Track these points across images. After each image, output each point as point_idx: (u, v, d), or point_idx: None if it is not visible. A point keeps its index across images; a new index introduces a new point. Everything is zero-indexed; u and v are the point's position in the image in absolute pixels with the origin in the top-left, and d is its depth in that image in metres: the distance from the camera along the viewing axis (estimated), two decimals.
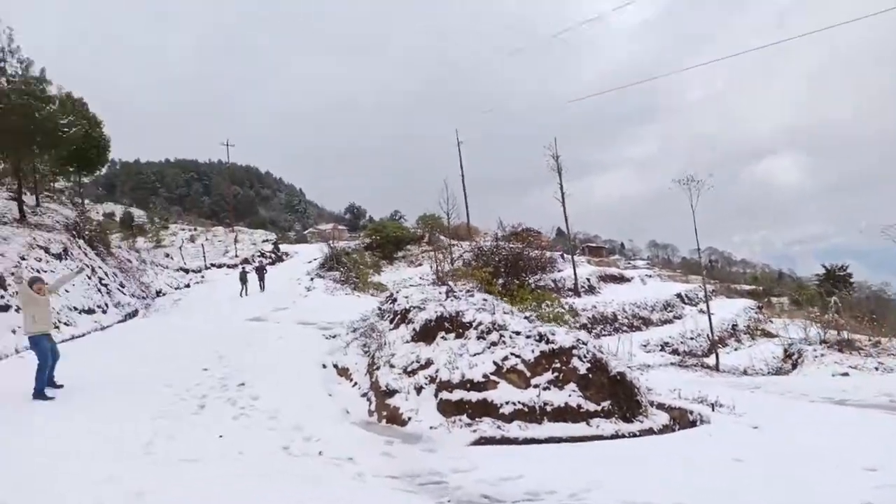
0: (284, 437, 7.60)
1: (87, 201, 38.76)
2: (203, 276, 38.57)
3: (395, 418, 8.55)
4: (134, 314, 21.82)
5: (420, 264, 45.14)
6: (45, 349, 9.15)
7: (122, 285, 24.63)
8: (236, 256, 44.59)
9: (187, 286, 33.20)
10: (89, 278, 20.31)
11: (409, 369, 9.20)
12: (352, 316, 18.29)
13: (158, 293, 28.20)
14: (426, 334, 9.76)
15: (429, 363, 9.04)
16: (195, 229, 52.68)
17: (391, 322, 11.77)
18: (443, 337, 9.50)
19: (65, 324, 15.29)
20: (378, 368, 9.81)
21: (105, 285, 22.07)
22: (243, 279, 27.00)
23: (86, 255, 22.54)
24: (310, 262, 43.91)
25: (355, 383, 10.50)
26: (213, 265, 42.05)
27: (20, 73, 21.96)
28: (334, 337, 14.73)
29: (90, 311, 17.76)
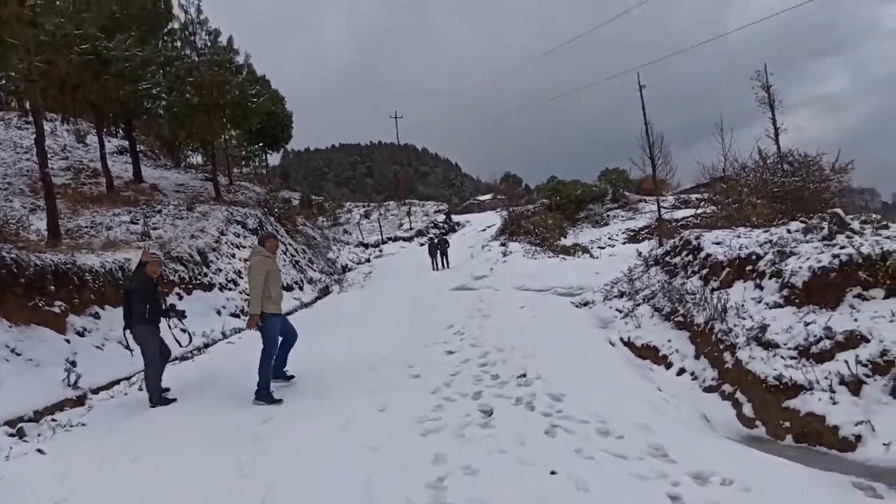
0: (654, 471, 4.26)
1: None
2: (381, 251, 37.27)
3: (816, 435, 4.90)
4: (326, 290, 19.94)
5: (605, 224, 40.77)
6: (274, 331, 6.71)
7: (310, 261, 23.35)
8: (410, 229, 43.07)
9: (367, 261, 31.96)
10: (284, 254, 18.71)
11: (812, 350, 5.43)
12: (581, 279, 14.93)
13: (344, 268, 26.81)
14: (815, 293, 5.92)
15: (855, 339, 5.21)
16: (368, 205, 52.19)
17: (702, 279, 8.03)
18: (859, 296, 5.61)
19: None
20: (737, 347, 6.15)
21: (297, 262, 20.71)
22: (434, 252, 24.50)
23: (277, 231, 21.22)
24: (483, 229, 41.27)
25: (681, 369, 6.94)
26: (389, 239, 40.83)
27: (209, 44, 20.89)
28: (586, 304, 11.30)
29: (289, 288, 15.88)
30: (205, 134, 20.38)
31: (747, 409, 5.70)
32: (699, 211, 40.49)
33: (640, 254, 11.32)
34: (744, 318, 6.47)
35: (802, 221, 7.86)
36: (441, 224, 44.30)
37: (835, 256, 5.90)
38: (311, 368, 7.57)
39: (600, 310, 10.52)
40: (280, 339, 6.82)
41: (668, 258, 9.77)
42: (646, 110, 45.44)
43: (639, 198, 45.94)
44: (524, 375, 6.85)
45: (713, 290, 7.59)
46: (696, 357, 6.91)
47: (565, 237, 35.65)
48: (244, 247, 15.53)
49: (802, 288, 6.07)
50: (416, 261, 28.26)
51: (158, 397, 6.52)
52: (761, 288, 6.77)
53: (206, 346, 9.75)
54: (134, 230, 14.28)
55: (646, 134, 44.94)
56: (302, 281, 18.70)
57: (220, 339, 10.15)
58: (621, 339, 8.33)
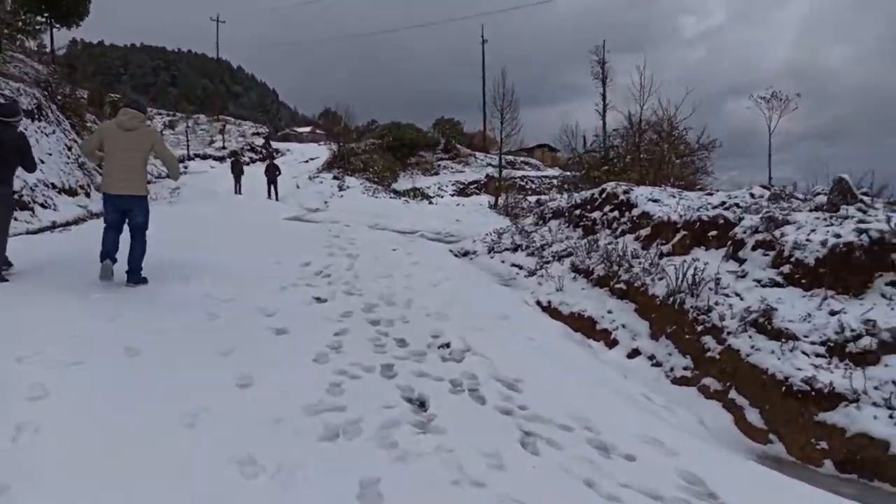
0: None
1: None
2: (186, 167, 32.46)
3: (875, 466, 3.65)
4: None
5: (436, 173, 39.83)
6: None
7: (99, 167, 18.82)
8: (223, 148, 38.39)
9: (167, 176, 27.33)
10: (69, 149, 14.50)
11: (849, 348, 4.18)
12: (444, 225, 13.25)
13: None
14: (831, 274, 4.71)
15: None
16: (174, 115, 45.74)
17: (640, 240, 6.66)
18: (893, 284, 4.46)
19: (41, 205, 9.76)
20: (726, 332, 4.77)
21: (83, 164, 16.42)
22: (236, 173, 21.12)
23: (59, 123, 16.53)
24: (307, 161, 38.14)
25: (633, 350, 5.50)
26: (196, 155, 35.92)
27: None
28: (466, 254, 9.59)
29: (71, 193, 12.12)
30: None
31: (753, 417, 4.33)
32: (539, 173, 40.97)
33: (491, 206, 9.80)
34: (729, 296, 5.10)
35: (764, 186, 6.75)
36: (260, 148, 40.09)
37: (861, 232, 4.67)
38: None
39: (488, 262, 8.87)
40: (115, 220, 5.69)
41: (579, 212, 8.32)
42: (485, 65, 44.91)
43: (469, 152, 45.52)
44: (448, 345, 4.91)
45: (661, 255, 6.20)
46: (654, 337, 5.47)
47: (396, 181, 33.94)
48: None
49: (814, 266, 4.79)
50: (229, 185, 24.73)
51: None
52: (740, 260, 5.46)
53: None
54: None
55: (483, 91, 44.43)
56: (89, 186, 14.73)
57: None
58: (538, 303, 6.70)
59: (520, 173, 40.10)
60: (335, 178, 24.05)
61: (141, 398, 3.38)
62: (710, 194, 7.19)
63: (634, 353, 5.45)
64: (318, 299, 6.27)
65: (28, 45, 26.29)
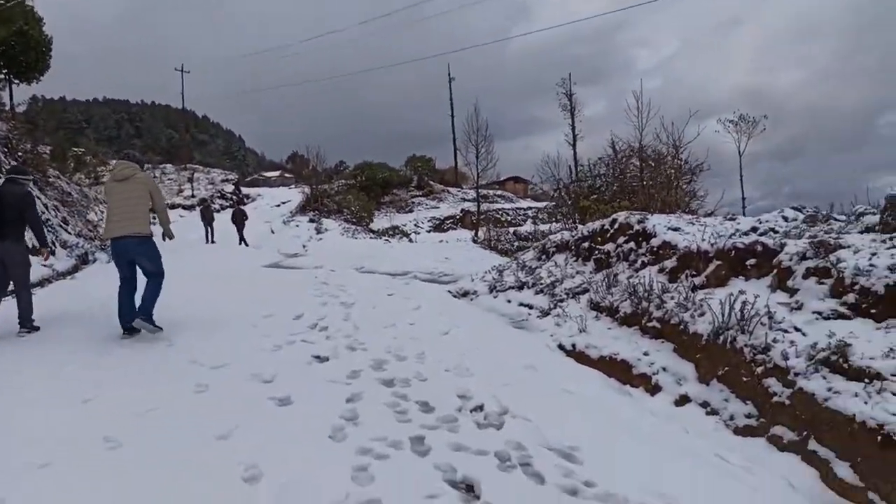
0: None
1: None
2: (155, 217, 31.35)
3: None
4: (86, 258, 15.18)
5: (410, 210, 39.51)
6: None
7: (65, 221, 17.95)
8: (193, 196, 37.58)
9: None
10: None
11: None
12: (436, 264, 12.63)
13: (47, 247, 21.20)
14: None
15: None
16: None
17: (666, 273, 6.13)
18: None
19: None
20: (792, 373, 4.21)
21: (46, 220, 15.48)
22: (207, 220, 20.26)
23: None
24: (278, 205, 37.49)
25: (681, 397, 4.87)
26: (167, 206, 34.78)
27: None
28: (466, 294, 8.98)
29: (35, 252, 11.21)
30: None
31: (844, 472, 3.72)
32: (513, 205, 40.83)
33: (475, 240, 9.26)
34: (788, 332, 4.54)
35: (794, 208, 6.29)
36: (230, 195, 39.28)
37: None
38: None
39: (491, 302, 8.26)
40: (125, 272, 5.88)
41: (588, 244, 7.78)
42: (453, 102, 44.94)
43: (442, 188, 45.37)
44: (480, 408, 4.25)
45: (694, 287, 5.66)
46: (702, 381, 4.87)
47: (372, 220, 33.42)
48: None
49: (885, 295, 4.27)
50: (203, 233, 23.88)
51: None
52: (790, 290, 4.93)
53: None
54: None
55: (452, 128, 44.36)
56: (54, 244, 13.83)
57: None
58: (561, 347, 6.09)
59: (495, 206, 39.86)
60: (311, 220, 23.40)
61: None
62: (732, 219, 6.71)
63: (683, 401, 4.83)
64: (319, 358, 5.59)
65: None
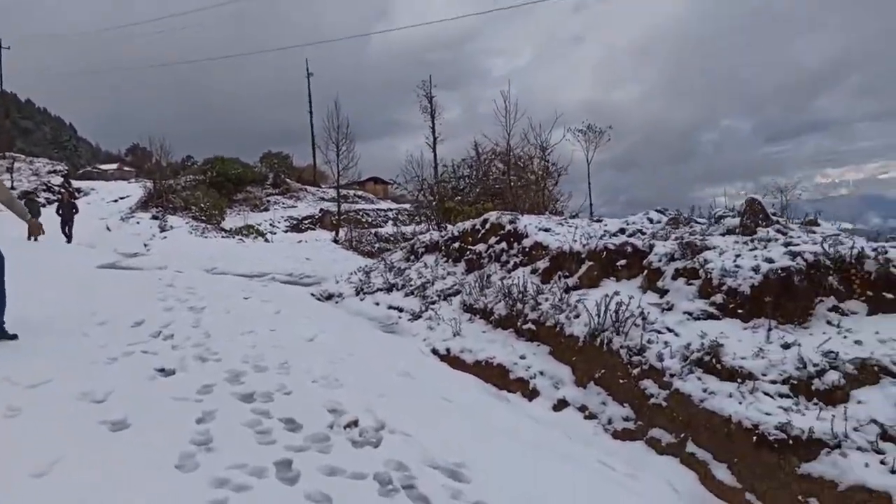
0: None
1: None
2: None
3: None
4: None
5: (266, 209, 37.78)
6: None
7: None
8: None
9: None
10: None
11: (815, 385, 3.81)
12: (295, 265, 11.95)
13: None
14: (771, 303, 4.38)
15: (871, 370, 3.75)
16: None
17: (539, 273, 6.08)
18: (835, 309, 4.21)
19: None
20: (668, 374, 4.24)
21: None
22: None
23: None
24: (115, 200, 34.35)
25: (559, 401, 4.79)
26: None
27: None
28: (330, 297, 8.48)
29: None
30: None
31: (721, 474, 3.75)
32: (373, 206, 40.29)
33: (337, 240, 8.95)
34: (661, 332, 4.57)
35: (658, 211, 6.46)
36: (58, 188, 35.25)
37: (794, 255, 4.37)
38: None
39: (358, 305, 7.82)
40: None
41: (458, 244, 7.60)
42: (312, 99, 43.80)
43: (300, 186, 44.02)
44: (355, 424, 3.82)
45: (567, 288, 5.62)
46: (580, 384, 4.80)
47: (223, 218, 31.55)
48: None
49: (751, 294, 4.41)
50: (22, 230, 21.04)
51: None
52: (660, 291, 5.00)
53: None
54: None
55: (311, 124, 43.23)
56: None
57: None
58: (434, 352, 5.81)
59: (356, 207, 39.28)
60: (154, 217, 21.45)
61: None
62: (599, 220, 6.80)
63: (562, 405, 4.72)
64: (164, 371, 4.84)
65: None
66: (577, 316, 5.16)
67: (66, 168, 42.96)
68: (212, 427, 3.67)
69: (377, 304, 7.50)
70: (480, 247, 7.07)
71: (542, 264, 6.11)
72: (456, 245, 7.57)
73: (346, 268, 10.91)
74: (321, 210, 38.86)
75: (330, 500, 2.92)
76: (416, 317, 6.68)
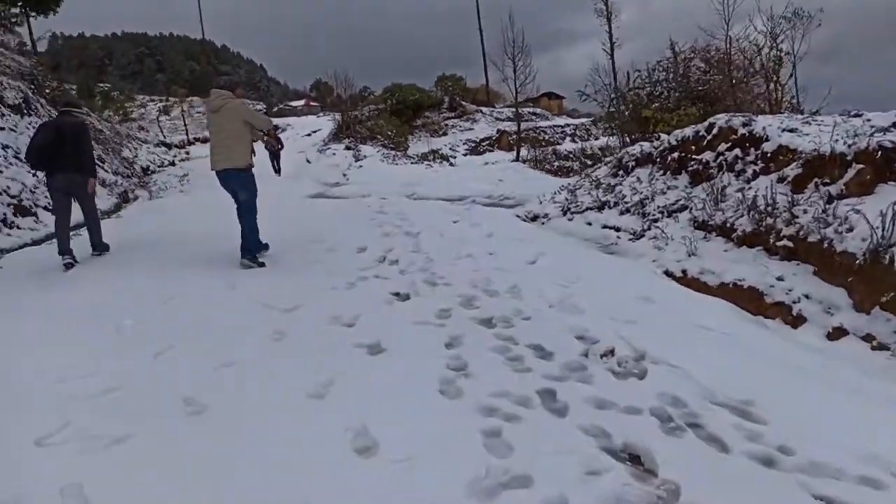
0: None
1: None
2: (189, 153, 30.93)
3: None
4: (126, 196, 14.70)
5: (444, 133, 38.07)
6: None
7: (101, 160, 17.41)
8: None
9: (172, 163, 25.80)
10: None
11: None
12: (492, 187, 11.82)
13: (146, 170, 20.88)
14: None
15: None
16: (167, 100, 44.13)
17: (787, 182, 5.25)
18: None
19: (44, 208, 8.41)
20: None
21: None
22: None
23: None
24: (308, 134, 36.60)
25: (835, 329, 4.15)
26: (196, 139, 34.38)
27: None
28: (536, 218, 8.22)
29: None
30: None
31: None
32: (549, 122, 39.27)
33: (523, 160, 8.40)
34: None
35: None
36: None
37: None
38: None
39: (567, 225, 7.51)
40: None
41: (678, 154, 6.89)
42: (480, 15, 42.61)
43: (475, 108, 43.77)
44: (611, 352, 3.57)
45: (830, 197, 4.80)
46: (861, 310, 4.09)
47: (408, 146, 32.44)
48: (2, 128, 10.01)
49: None
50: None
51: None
52: None
53: None
54: None
55: (481, 41, 42.34)
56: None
57: None
58: (668, 274, 5.35)
59: (532, 124, 38.40)
60: (348, 148, 22.51)
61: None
62: (858, 115, 5.75)
63: (838, 333, 4.10)
64: (399, 295, 4.95)
65: (6, 39, 24.70)
66: (849, 230, 4.40)
67: (264, 107, 46.69)
68: (463, 353, 3.63)
69: (589, 223, 7.13)
70: (707, 155, 6.34)
71: (791, 171, 5.30)
72: (675, 155, 6.89)
73: (541, 187, 10.59)
74: (498, 131, 38.47)
75: (608, 435, 2.72)
76: (637, 236, 6.22)
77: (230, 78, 6.06)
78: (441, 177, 13.88)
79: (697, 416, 2.87)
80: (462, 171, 15.91)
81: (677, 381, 3.19)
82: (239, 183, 5.66)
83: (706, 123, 6.69)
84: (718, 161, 6.23)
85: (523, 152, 22.58)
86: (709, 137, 6.53)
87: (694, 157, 6.58)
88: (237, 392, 3.04)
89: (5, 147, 9.13)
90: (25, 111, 11.50)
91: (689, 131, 6.89)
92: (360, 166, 18.17)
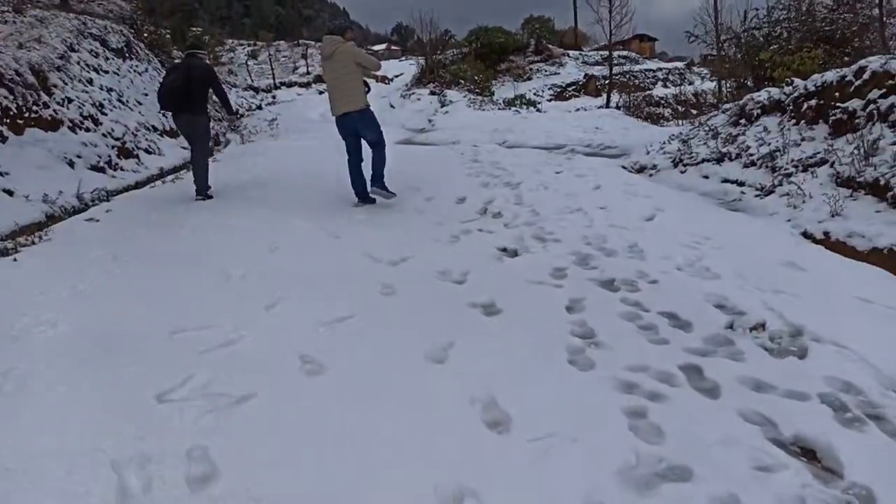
0: None
1: None
2: (275, 97, 31.34)
3: None
4: (216, 140, 14.88)
5: (529, 78, 36.76)
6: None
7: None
8: (307, 73, 37.08)
9: (259, 108, 26.17)
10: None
11: None
12: (590, 135, 11.20)
13: (236, 114, 21.22)
14: None
15: None
16: (255, 44, 44.82)
17: None
18: None
19: (145, 150, 8.56)
20: None
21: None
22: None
23: (149, 61, 15.23)
24: (391, 78, 36.30)
25: None
26: (282, 84, 34.83)
27: None
28: (642, 170, 7.68)
29: (174, 134, 10.92)
30: None
31: None
32: (640, 66, 37.46)
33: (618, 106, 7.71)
34: None
35: None
36: None
37: None
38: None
39: (678, 178, 6.95)
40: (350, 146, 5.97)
41: (816, 102, 6.16)
42: None
43: (562, 51, 42.07)
44: (762, 326, 3.17)
45: None
46: None
47: (493, 91, 31.63)
48: (106, 71, 10.20)
49: None
50: (323, 110, 23.31)
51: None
52: None
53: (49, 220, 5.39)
54: None
55: None
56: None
57: (74, 208, 5.93)
58: (806, 235, 4.80)
59: (622, 69, 36.63)
60: (433, 93, 22.06)
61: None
62: None
63: None
64: (507, 251, 4.65)
65: None
66: None
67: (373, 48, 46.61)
68: (587, 319, 3.32)
69: (705, 177, 6.55)
70: (854, 103, 5.60)
71: None
72: (811, 103, 6.15)
73: (643, 136, 9.95)
74: (585, 75, 36.91)
75: (774, 424, 2.37)
76: (766, 192, 5.64)
77: (340, 23, 6.10)
78: (532, 123, 13.27)
79: (878, 406, 2.47)
80: (553, 117, 15.19)
81: (847, 365, 2.78)
82: (363, 124, 5.75)
83: (855, 67, 5.90)
84: (868, 110, 5.50)
85: (614, 98, 21.48)
86: (857, 83, 5.77)
87: (838, 104, 5.85)
88: (353, 351, 2.87)
89: (109, 90, 9.29)
90: (127, 55, 11.70)
91: (831, 75, 6.13)
92: (447, 111, 17.77)
